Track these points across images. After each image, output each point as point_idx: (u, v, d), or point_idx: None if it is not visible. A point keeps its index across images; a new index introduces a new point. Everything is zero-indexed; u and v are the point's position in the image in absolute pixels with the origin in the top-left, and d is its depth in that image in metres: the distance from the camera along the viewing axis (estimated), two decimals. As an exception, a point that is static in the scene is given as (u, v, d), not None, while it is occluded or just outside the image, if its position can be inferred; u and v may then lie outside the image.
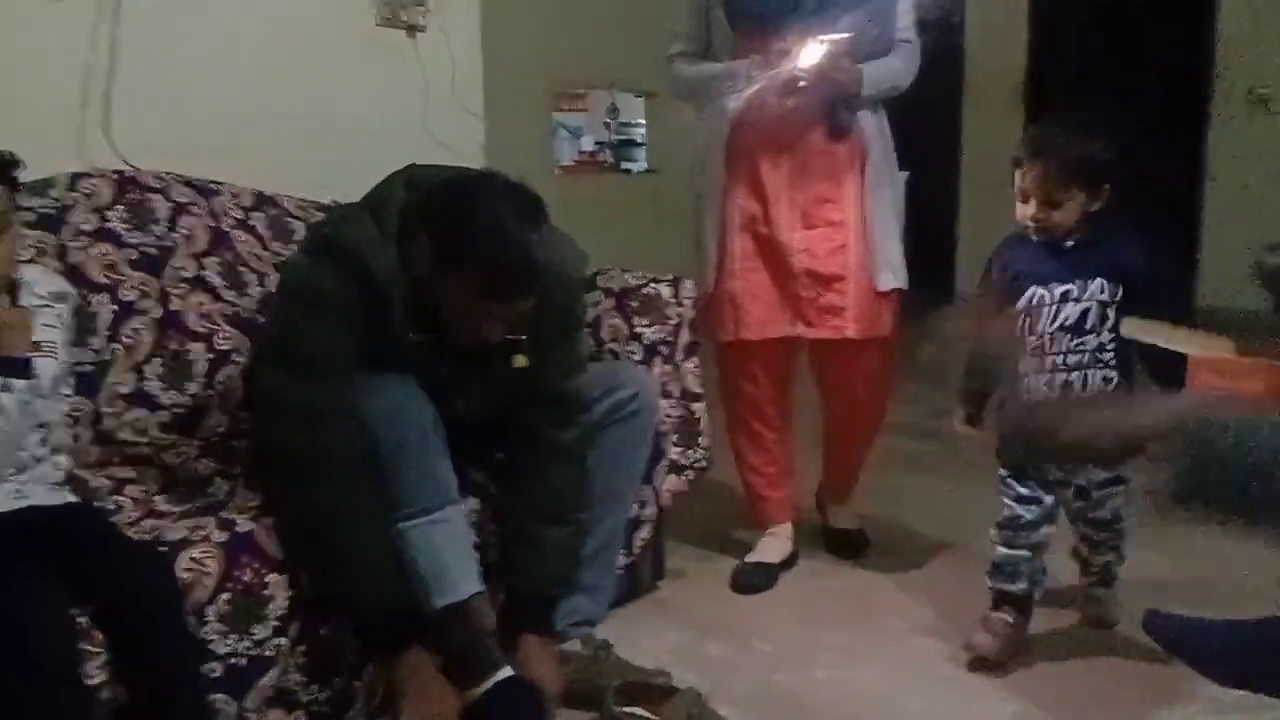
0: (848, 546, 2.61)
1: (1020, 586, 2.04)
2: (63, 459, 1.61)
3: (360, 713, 1.73)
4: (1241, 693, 1.79)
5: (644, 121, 5.81)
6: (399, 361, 1.70)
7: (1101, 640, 2.14)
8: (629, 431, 1.95)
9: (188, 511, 1.66)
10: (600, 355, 2.25)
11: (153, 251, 2.07)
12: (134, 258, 2.04)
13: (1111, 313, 1.97)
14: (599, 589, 1.95)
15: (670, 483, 2.27)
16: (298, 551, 1.60)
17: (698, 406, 2.36)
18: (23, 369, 1.45)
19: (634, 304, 2.26)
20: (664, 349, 2.26)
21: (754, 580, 2.42)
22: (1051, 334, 2.00)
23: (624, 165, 5.74)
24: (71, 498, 1.60)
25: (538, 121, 5.20)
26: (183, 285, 2.08)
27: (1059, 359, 2.00)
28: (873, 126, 2.36)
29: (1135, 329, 1.67)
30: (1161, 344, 1.55)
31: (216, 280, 2.12)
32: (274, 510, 1.65)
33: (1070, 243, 2.00)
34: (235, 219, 2.23)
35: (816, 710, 1.88)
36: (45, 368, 1.52)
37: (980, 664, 2.01)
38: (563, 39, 5.05)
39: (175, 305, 2.05)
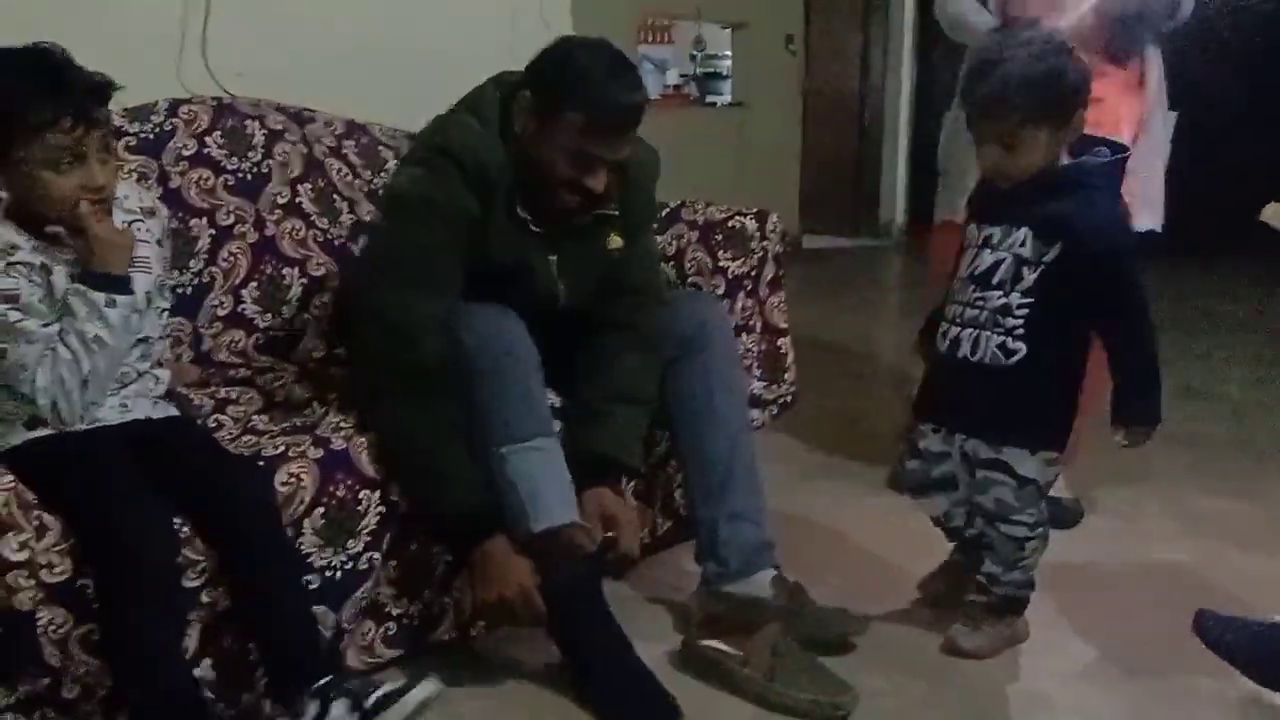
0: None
1: (950, 540, 1.98)
2: (163, 373, 1.66)
3: (448, 629, 1.78)
4: None
5: (730, 54, 5.71)
6: (510, 245, 1.74)
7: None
8: (709, 357, 1.92)
9: (285, 430, 1.71)
10: (682, 288, 2.24)
11: (248, 177, 2.12)
12: (231, 183, 2.09)
13: (1031, 274, 1.69)
14: (755, 513, 1.90)
15: (752, 416, 2.26)
16: (386, 460, 1.65)
17: (783, 341, 2.35)
18: (125, 286, 1.50)
19: (718, 237, 2.24)
20: (748, 283, 2.25)
21: (902, 480, 2.36)
22: (961, 280, 1.79)
23: (709, 99, 5.67)
24: (174, 412, 1.66)
25: (626, 53, 5.15)
26: (278, 211, 2.13)
27: (958, 310, 1.78)
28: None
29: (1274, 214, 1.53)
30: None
31: (310, 206, 2.17)
32: (365, 424, 1.69)
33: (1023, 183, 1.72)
34: (328, 146, 2.26)
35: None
36: (141, 282, 1.56)
37: (928, 603, 1.99)
38: (650, -32, 4.97)
39: (270, 230, 2.10)
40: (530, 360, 1.72)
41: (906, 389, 2.75)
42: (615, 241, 1.86)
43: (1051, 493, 2.58)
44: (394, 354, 1.66)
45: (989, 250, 1.75)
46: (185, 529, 1.46)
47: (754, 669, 1.70)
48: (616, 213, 1.83)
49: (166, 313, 1.71)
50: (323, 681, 1.48)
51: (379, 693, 1.48)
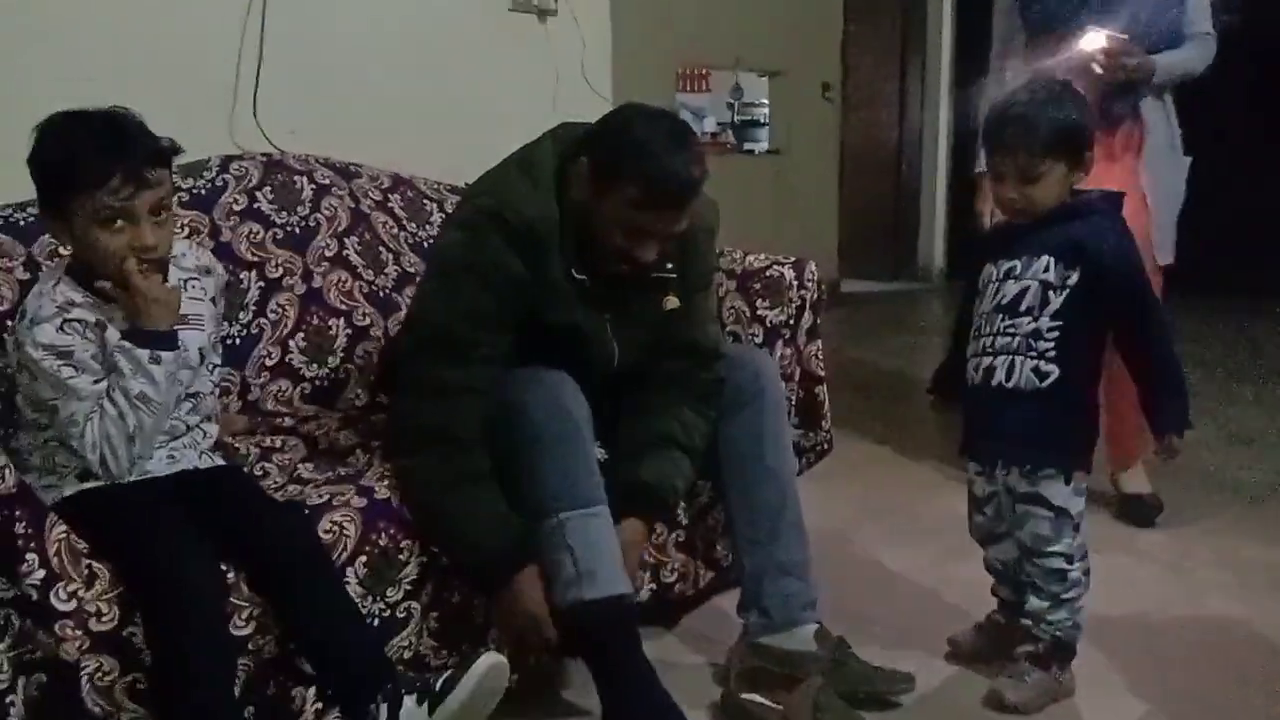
0: (1138, 512, 2.64)
1: (1003, 592, 1.94)
2: (212, 427, 1.69)
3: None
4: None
5: (767, 101, 5.77)
6: (563, 305, 1.73)
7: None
8: (760, 408, 1.93)
9: (329, 479, 1.74)
10: (721, 337, 2.25)
11: (297, 231, 2.17)
12: (279, 236, 2.14)
13: (1057, 297, 1.75)
14: (801, 565, 1.89)
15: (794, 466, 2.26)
16: (418, 516, 1.66)
17: (820, 389, 2.34)
18: (169, 342, 1.52)
19: (756, 286, 2.26)
20: (785, 331, 2.26)
21: None
22: (987, 314, 1.83)
23: (747, 146, 5.72)
24: (220, 462, 1.69)
25: (663, 103, 5.21)
26: (325, 263, 2.18)
27: (989, 341, 1.82)
28: (1157, 112, 2.58)
29: None
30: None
31: (356, 259, 2.22)
32: (398, 477, 1.70)
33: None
34: (374, 200, 2.31)
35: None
36: (193, 340, 1.59)
37: (956, 657, 1.97)
38: (688, 19, 5.05)
39: (317, 282, 2.15)
40: (588, 426, 1.72)
41: (947, 433, 2.74)
42: (671, 303, 1.83)
43: (1130, 489, 2.67)
44: (433, 424, 1.67)
45: (1012, 280, 1.80)
46: (232, 574, 1.48)
47: (795, 722, 1.68)
48: (674, 275, 1.81)
49: (219, 369, 1.74)
50: (388, 685, 1.50)
51: (443, 677, 1.50)
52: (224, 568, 1.48)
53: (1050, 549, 1.80)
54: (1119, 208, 1.84)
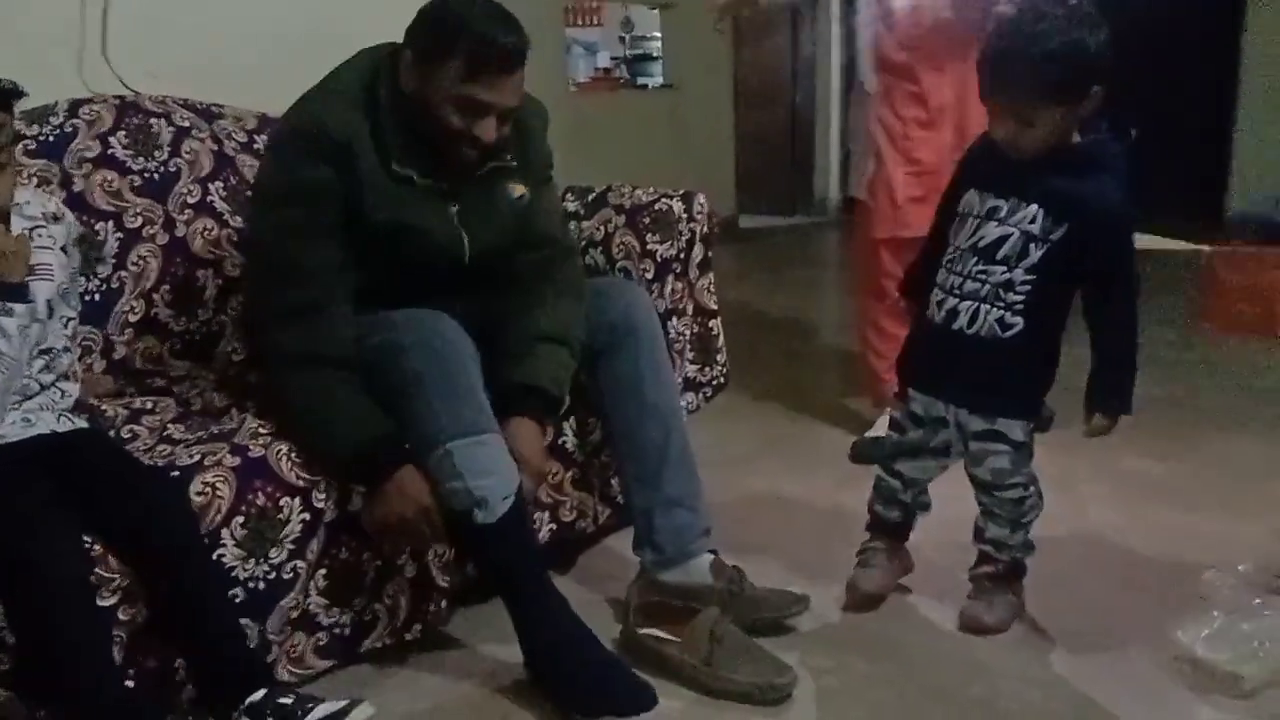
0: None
1: (893, 515, 1.97)
2: (70, 385, 1.60)
3: (383, 633, 1.74)
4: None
5: (660, 35, 5.69)
6: (396, 202, 1.70)
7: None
8: (636, 343, 1.90)
9: (200, 439, 1.66)
10: (613, 273, 2.22)
11: (156, 177, 2.05)
12: (138, 184, 2.02)
13: (1037, 250, 1.68)
14: (691, 498, 1.88)
15: (686, 400, 2.25)
16: (296, 430, 1.64)
17: (714, 323, 2.34)
18: (20, 294, 1.44)
19: (645, 220, 2.22)
20: (676, 265, 2.23)
21: (871, 452, 2.40)
22: (961, 250, 1.76)
23: (640, 81, 5.64)
24: (82, 424, 1.59)
25: (551, 39, 5.09)
26: (188, 211, 2.06)
27: (958, 281, 1.76)
28: None
29: (1148, 240, 1.56)
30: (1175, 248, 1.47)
31: (222, 205, 2.10)
32: (276, 404, 1.68)
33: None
34: (238, 142, 2.20)
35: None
36: (41, 290, 1.50)
37: (861, 602, 1.93)
38: (573, -50, 4.92)
39: (181, 231, 2.04)
40: (469, 355, 1.69)
41: (846, 365, 2.77)
42: (518, 189, 1.85)
43: None
44: (294, 346, 1.65)
45: (995, 223, 1.73)
46: (97, 546, 1.40)
47: (692, 655, 1.69)
48: (513, 163, 1.83)
49: (73, 322, 1.64)
50: (255, 697, 1.45)
51: (314, 715, 1.44)
52: (86, 539, 1.40)
53: (1011, 480, 1.82)
54: (1123, 152, 1.71)
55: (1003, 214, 1.72)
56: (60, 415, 1.57)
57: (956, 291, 1.76)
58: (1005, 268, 1.71)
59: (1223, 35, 5.61)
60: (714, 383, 2.35)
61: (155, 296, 1.99)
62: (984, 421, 1.80)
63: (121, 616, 1.42)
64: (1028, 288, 1.70)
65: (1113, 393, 1.76)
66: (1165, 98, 5.68)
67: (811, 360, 3.65)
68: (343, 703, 1.48)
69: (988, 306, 1.73)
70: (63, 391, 1.59)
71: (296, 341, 1.65)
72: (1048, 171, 1.68)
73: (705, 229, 2.28)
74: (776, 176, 6.99)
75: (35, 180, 1.89)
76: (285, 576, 1.58)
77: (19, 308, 1.43)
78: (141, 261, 1.98)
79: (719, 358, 2.35)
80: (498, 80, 1.67)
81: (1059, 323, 1.77)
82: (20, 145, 1.86)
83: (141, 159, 2.04)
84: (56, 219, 1.60)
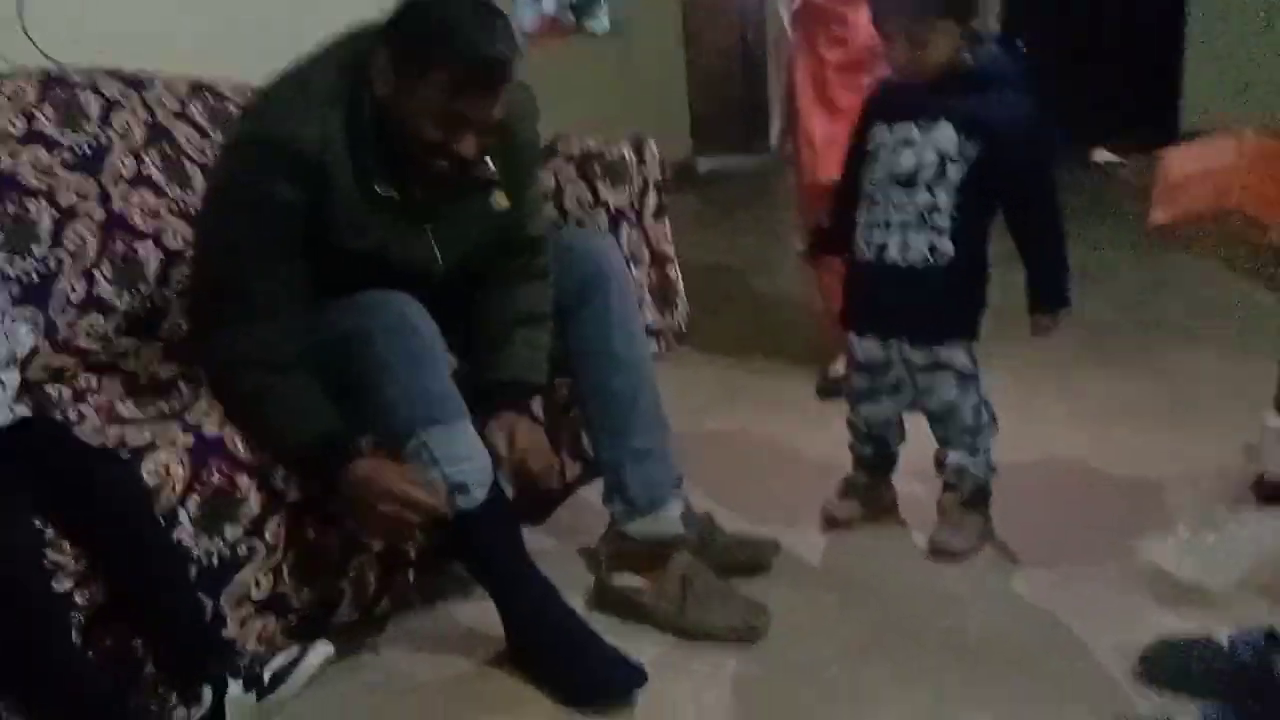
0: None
1: (866, 452, 1.99)
2: (10, 375, 1.54)
3: (349, 609, 1.73)
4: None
5: (604, -22, 5.57)
6: (369, 226, 1.60)
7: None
8: (605, 298, 1.87)
9: (151, 417, 1.62)
10: (564, 224, 2.18)
11: (87, 151, 1.98)
12: (68, 159, 1.95)
13: (956, 171, 1.71)
14: (660, 448, 1.86)
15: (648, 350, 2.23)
16: (249, 432, 1.57)
17: (672, 269, 2.31)
18: None
19: (596, 169, 2.18)
20: (630, 214, 2.20)
21: (834, 388, 2.48)
22: (880, 182, 1.77)
23: (588, 26, 5.53)
24: (26, 413, 1.55)
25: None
26: (123, 184, 2.00)
27: (882, 214, 1.77)
28: None
29: (1104, 155, 1.59)
30: (1127, 163, 1.48)
31: (158, 176, 2.04)
32: (225, 408, 1.60)
33: (934, 80, 1.72)
34: (172, 110, 2.13)
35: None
36: None
37: (831, 524, 1.99)
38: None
39: (118, 205, 1.98)
40: (437, 342, 1.63)
41: (809, 304, 2.76)
42: (501, 202, 1.72)
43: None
44: (240, 350, 1.58)
45: (909, 150, 1.74)
46: (50, 532, 1.37)
47: (666, 601, 1.69)
48: (496, 176, 1.70)
49: (5, 315, 1.58)
50: (215, 667, 1.45)
51: (273, 665, 1.45)
52: (39, 524, 1.36)
53: (963, 407, 1.84)
54: (1022, 69, 1.75)
55: (915, 137, 1.74)
56: (3, 406, 1.52)
57: (882, 224, 1.78)
58: (927, 192, 1.73)
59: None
60: (675, 329, 2.33)
61: (96, 274, 1.93)
62: (926, 354, 1.82)
63: (79, 600, 1.39)
64: (952, 209, 1.73)
65: (1050, 290, 1.80)
66: (1117, 19, 5.68)
67: (774, 302, 3.64)
68: (294, 652, 1.49)
69: (915, 234, 1.75)
70: (3, 383, 1.53)
71: (239, 347, 1.57)
72: (953, 92, 1.72)
73: (658, 175, 2.25)
74: (731, 118, 6.92)
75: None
76: (240, 553, 1.56)
77: None
78: (79, 239, 1.92)
79: (679, 304, 2.33)
80: (484, 96, 1.53)
81: (985, 241, 1.80)
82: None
83: (70, 133, 1.97)
84: None
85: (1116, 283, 3.50)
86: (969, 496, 1.88)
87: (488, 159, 1.66)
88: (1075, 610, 1.70)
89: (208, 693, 1.42)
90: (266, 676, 1.45)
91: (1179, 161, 1.42)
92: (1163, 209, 1.43)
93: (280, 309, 1.58)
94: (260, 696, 1.46)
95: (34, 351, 1.79)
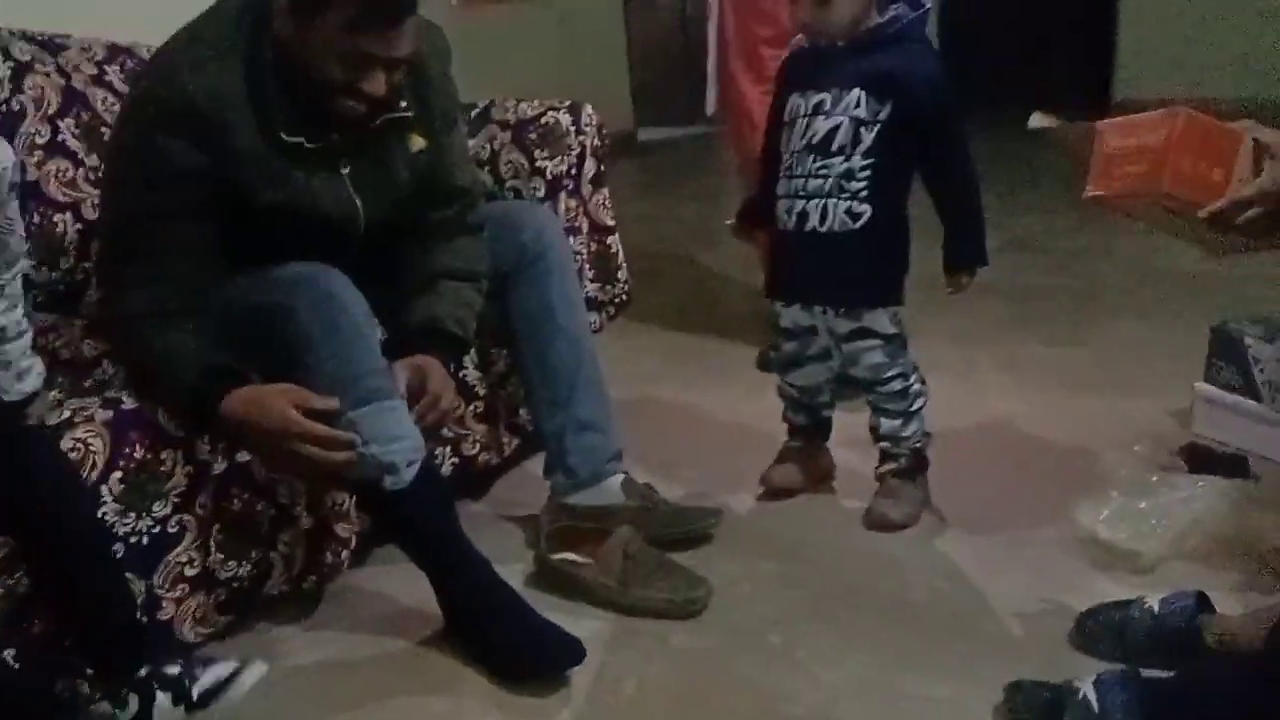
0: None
1: (799, 419, 2.00)
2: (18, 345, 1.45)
3: (279, 581, 1.69)
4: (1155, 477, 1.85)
5: (542, -58, 5.47)
6: (278, 176, 1.54)
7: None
8: (545, 268, 1.85)
9: (73, 393, 1.56)
10: (502, 194, 2.14)
11: (-2, 117, 1.89)
12: (-23, 125, 1.86)
13: (869, 134, 1.72)
14: (602, 420, 1.84)
15: (590, 320, 2.20)
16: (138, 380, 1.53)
17: (612, 240, 2.29)
18: None
19: (532, 136, 2.14)
20: (568, 182, 2.16)
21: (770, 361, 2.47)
22: (797, 153, 1.78)
23: (525, -8, 5.44)
24: None
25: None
26: (38, 152, 1.91)
27: (800, 183, 1.78)
28: None
29: (1040, 120, 1.60)
30: (1064, 127, 1.48)
31: (75, 144, 1.96)
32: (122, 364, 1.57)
33: (842, 43, 1.74)
34: (88, 75, 2.04)
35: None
36: None
37: (773, 494, 1.99)
38: None
39: (32, 174, 1.89)
40: (363, 312, 1.57)
41: (751, 274, 2.76)
42: (417, 143, 1.67)
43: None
44: (138, 309, 1.52)
45: (823, 117, 1.75)
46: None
47: (607, 576, 1.67)
48: (410, 113, 1.64)
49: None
50: (144, 672, 1.40)
51: (204, 682, 1.42)
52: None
53: (890, 373, 1.84)
54: (925, 22, 1.78)
55: (828, 106, 1.75)
56: None
57: (801, 193, 1.78)
58: (843, 157, 1.74)
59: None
60: (616, 300, 2.31)
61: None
62: (850, 321, 1.83)
63: (-2, 588, 1.34)
64: (868, 173, 1.74)
65: (965, 247, 1.81)
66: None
67: (715, 273, 3.63)
68: (233, 665, 1.44)
69: (834, 200, 1.76)
70: None
71: (133, 306, 1.52)
72: (860, 56, 1.74)
73: (596, 141, 2.22)
74: (672, 86, 6.87)
75: None
76: (171, 530, 1.51)
77: None
78: (-10, 209, 1.84)
79: (620, 275, 2.31)
80: (388, 31, 1.47)
81: (903, 204, 1.82)
82: None
83: (-21, 98, 1.88)
84: None
85: (1051, 249, 3.55)
86: (907, 466, 1.89)
87: (401, 101, 1.61)
88: (1013, 574, 1.71)
89: (133, 701, 1.38)
90: (195, 694, 1.41)
91: (1113, 135, 1.43)
92: (1097, 182, 1.44)
93: (193, 266, 1.53)
94: (189, 710, 1.42)
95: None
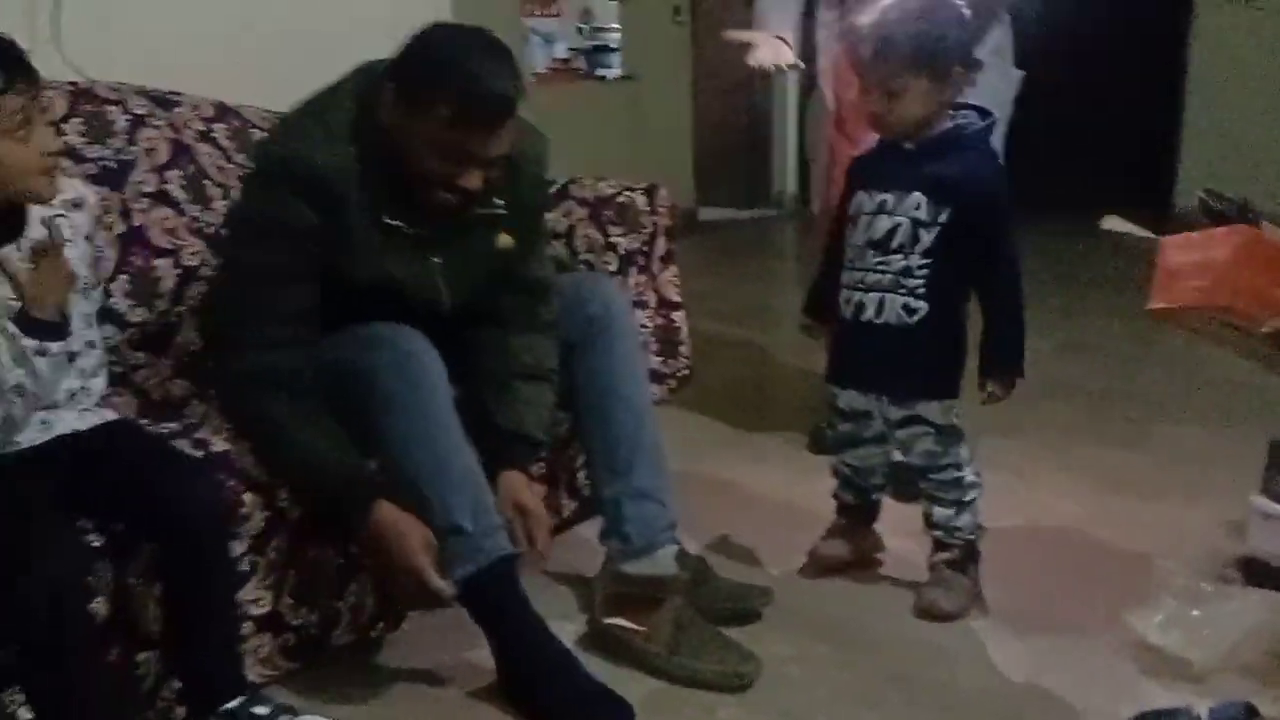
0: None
1: (849, 498, 2.03)
2: (97, 382, 1.56)
3: (345, 630, 1.74)
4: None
5: (618, 26, 5.67)
6: (375, 255, 1.64)
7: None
8: (612, 338, 1.91)
9: (163, 434, 1.63)
10: (575, 266, 2.22)
11: (112, 165, 2.00)
12: (93, 172, 1.97)
13: (928, 235, 1.78)
14: (659, 490, 1.88)
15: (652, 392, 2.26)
16: (266, 461, 1.60)
17: (678, 315, 2.34)
18: (58, 331, 1.39)
19: (608, 213, 2.22)
20: (640, 258, 2.24)
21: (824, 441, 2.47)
22: (859, 247, 1.85)
23: (599, 72, 5.62)
24: (109, 416, 1.55)
25: (509, 27, 5.04)
26: (145, 200, 2.03)
27: (860, 276, 1.85)
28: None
29: (1113, 223, 1.64)
30: (1135, 233, 1.52)
31: (180, 194, 2.07)
32: (239, 430, 1.62)
33: (910, 145, 1.82)
34: (196, 131, 2.16)
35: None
36: (76, 303, 1.47)
37: (820, 569, 2.01)
38: (533, -60, 4.89)
39: (138, 220, 2.00)
40: (445, 387, 1.65)
41: (806, 357, 2.80)
42: (504, 241, 1.76)
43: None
44: (257, 372, 1.60)
45: (885, 215, 1.82)
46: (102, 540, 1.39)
47: (657, 644, 1.70)
48: (503, 211, 1.73)
49: (93, 320, 1.59)
50: (232, 704, 1.45)
51: None
52: (92, 540, 1.38)
53: (943, 462, 1.87)
54: (991, 131, 1.86)
55: (890, 206, 1.82)
56: (81, 412, 1.52)
57: (861, 286, 1.85)
58: (901, 255, 1.80)
59: (1172, 36, 5.73)
60: (678, 374, 2.36)
61: (113, 286, 1.95)
62: (903, 408, 1.86)
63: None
64: (925, 272, 1.79)
65: (999, 356, 1.83)
66: (1117, 95, 5.79)
67: (772, 352, 3.68)
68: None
69: (891, 295, 1.81)
70: (88, 390, 1.54)
71: (259, 369, 1.60)
72: (923, 160, 1.80)
73: (668, 222, 2.30)
74: (735, 169, 7.00)
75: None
76: (242, 569, 1.57)
77: (54, 345, 1.38)
78: (98, 251, 1.94)
79: (683, 350, 2.36)
80: (487, 131, 1.57)
81: (961, 303, 1.86)
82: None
83: (97, 147, 2.00)
84: (77, 205, 1.54)
85: (1111, 352, 3.56)
86: (959, 557, 1.91)
87: (495, 198, 1.70)
88: (1061, 674, 1.71)
89: None
90: None
91: (1177, 250, 1.47)
92: (1160, 295, 1.48)
93: (299, 332, 1.61)
94: None
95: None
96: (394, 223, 1.63)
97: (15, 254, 1.40)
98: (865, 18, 1.81)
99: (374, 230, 1.63)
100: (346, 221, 1.60)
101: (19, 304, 1.37)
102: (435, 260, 1.71)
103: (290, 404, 1.60)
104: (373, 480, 1.61)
